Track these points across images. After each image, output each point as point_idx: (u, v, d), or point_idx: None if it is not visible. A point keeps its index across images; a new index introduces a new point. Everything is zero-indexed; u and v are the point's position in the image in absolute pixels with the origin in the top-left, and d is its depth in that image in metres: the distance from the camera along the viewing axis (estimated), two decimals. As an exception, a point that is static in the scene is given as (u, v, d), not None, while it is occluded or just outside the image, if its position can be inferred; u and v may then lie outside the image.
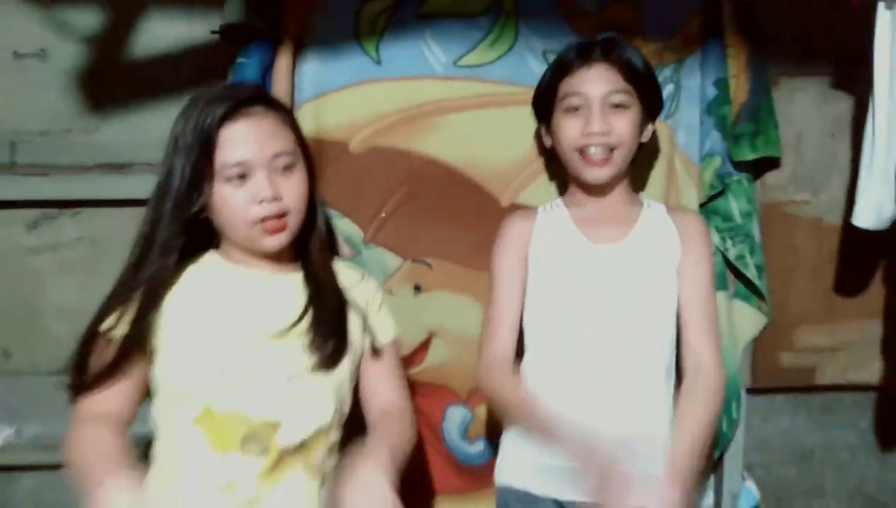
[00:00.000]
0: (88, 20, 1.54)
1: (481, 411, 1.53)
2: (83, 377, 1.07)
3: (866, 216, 1.29)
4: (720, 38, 1.47)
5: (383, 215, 1.48)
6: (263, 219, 1.05)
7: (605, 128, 1.20)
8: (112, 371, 1.05)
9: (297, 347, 1.06)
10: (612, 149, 1.22)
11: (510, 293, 1.24)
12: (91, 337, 1.07)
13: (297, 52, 1.44)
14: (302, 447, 1.05)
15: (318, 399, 1.07)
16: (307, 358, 1.06)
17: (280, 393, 1.04)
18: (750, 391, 1.62)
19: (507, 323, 1.24)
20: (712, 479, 1.65)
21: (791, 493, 1.73)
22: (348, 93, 1.45)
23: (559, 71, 1.25)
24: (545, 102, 1.29)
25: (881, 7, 1.20)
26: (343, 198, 1.46)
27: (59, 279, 1.60)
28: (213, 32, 1.48)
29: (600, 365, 1.20)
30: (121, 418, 1.07)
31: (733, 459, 1.62)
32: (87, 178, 1.56)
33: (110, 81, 1.56)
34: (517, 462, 1.27)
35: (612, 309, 1.22)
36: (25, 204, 1.58)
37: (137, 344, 1.04)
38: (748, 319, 1.53)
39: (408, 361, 1.50)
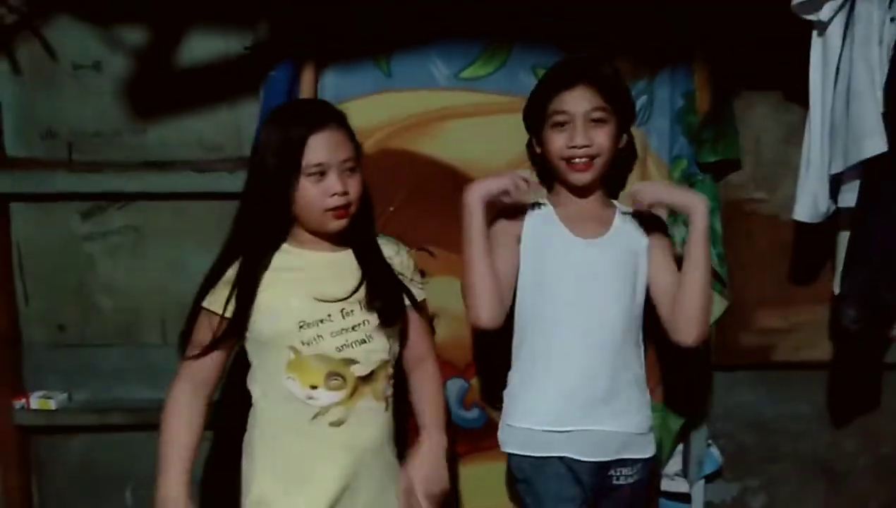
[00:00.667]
0: (137, 37, 1.69)
1: (476, 382, 1.70)
2: (186, 344, 1.32)
3: (804, 211, 1.46)
4: (687, 55, 1.64)
5: (392, 209, 1.65)
6: (335, 208, 1.29)
7: (588, 141, 1.38)
8: (217, 345, 1.30)
9: (356, 304, 1.32)
10: (593, 158, 1.40)
11: (511, 263, 1.42)
12: (196, 311, 1.31)
13: (319, 67, 1.62)
14: (370, 377, 1.31)
15: (377, 341, 1.33)
16: (366, 313, 1.32)
17: (348, 338, 1.30)
18: (714, 367, 1.78)
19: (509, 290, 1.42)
20: (681, 446, 1.82)
21: (751, 459, 1.89)
22: (363, 102, 1.62)
23: (546, 91, 1.42)
24: (534, 118, 1.47)
25: (814, 34, 1.39)
26: None
27: (107, 262, 1.77)
28: (245, 49, 1.67)
29: (584, 338, 1.39)
30: (214, 381, 1.34)
31: (699, 428, 1.79)
32: (134, 175, 1.72)
33: (155, 90, 1.71)
34: (521, 433, 1.43)
35: (594, 293, 1.40)
36: (80, 196, 1.74)
37: (242, 326, 1.29)
38: (712, 303, 1.71)
39: None
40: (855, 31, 1.33)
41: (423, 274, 1.65)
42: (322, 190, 1.28)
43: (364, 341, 1.32)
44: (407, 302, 1.39)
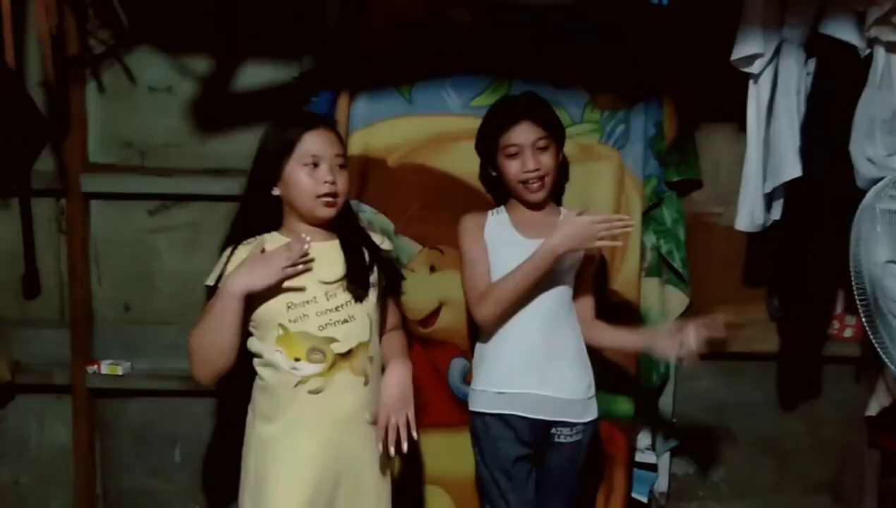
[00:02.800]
0: (202, 65, 1.99)
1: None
2: None
3: (743, 221, 1.76)
4: (658, 91, 1.94)
5: (409, 214, 1.90)
6: (325, 195, 1.45)
7: (537, 165, 1.65)
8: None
9: (340, 288, 1.48)
10: (543, 177, 1.67)
11: (484, 262, 1.69)
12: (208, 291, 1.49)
13: (353, 94, 1.90)
14: (349, 354, 1.48)
15: (358, 321, 1.49)
16: (347, 295, 1.48)
17: (331, 318, 1.46)
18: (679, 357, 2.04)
19: (486, 278, 1.68)
20: (649, 426, 2.07)
21: (710, 438, 2.13)
22: (388, 124, 1.90)
23: (497, 128, 1.67)
24: (487, 149, 1.71)
25: (750, 82, 1.70)
26: (382, 199, 1.91)
27: (169, 252, 2.04)
28: (293, 78, 1.96)
29: (530, 318, 1.67)
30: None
31: (665, 409, 2.05)
32: (195, 179, 2.00)
33: (216, 109, 2.00)
34: (481, 395, 1.69)
35: (538, 282, 1.66)
36: (149, 196, 2.02)
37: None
38: (676, 300, 1.99)
39: (424, 323, 1.92)
40: (779, 82, 1.66)
41: (433, 268, 1.91)
42: (315, 179, 1.43)
43: (346, 321, 1.46)
44: (388, 286, 1.56)
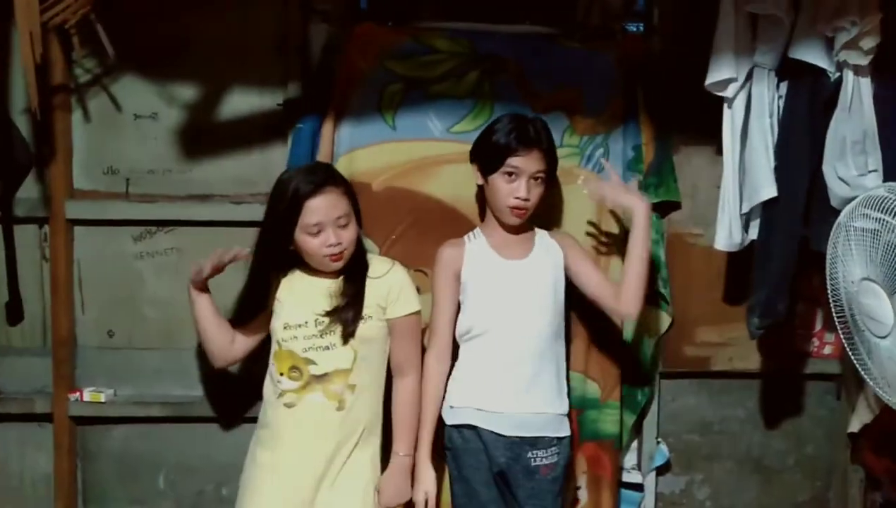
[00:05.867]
0: (188, 93, 2.01)
1: None
2: None
3: (721, 241, 1.79)
4: (636, 115, 1.99)
5: (394, 237, 1.94)
6: (330, 255, 1.60)
7: (528, 195, 1.70)
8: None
9: (329, 319, 1.64)
10: (528, 208, 1.72)
11: (448, 306, 1.75)
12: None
13: (337, 120, 1.93)
14: (324, 377, 1.62)
15: (339, 350, 1.63)
16: (335, 326, 1.63)
17: (314, 343, 1.63)
18: (662, 375, 2.07)
19: (447, 327, 1.74)
20: (636, 442, 2.11)
21: (696, 456, 2.15)
22: (372, 150, 1.93)
23: (508, 148, 1.69)
24: (490, 163, 1.72)
25: (725, 106, 1.75)
26: (366, 223, 1.84)
27: (153, 278, 2.05)
28: (278, 105, 2.00)
29: (513, 338, 1.71)
30: (248, 335, 1.75)
31: (650, 427, 2.08)
32: (179, 205, 2.02)
33: (201, 136, 2.02)
34: (458, 411, 1.73)
35: (522, 301, 1.72)
36: (134, 222, 2.03)
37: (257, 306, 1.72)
38: (658, 319, 2.01)
39: None
40: (752, 105, 1.71)
41: (418, 290, 1.88)
42: (320, 242, 1.59)
43: (327, 348, 1.62)
44: (394, 314, 1.67)
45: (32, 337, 2.07)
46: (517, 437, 1.70)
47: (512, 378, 1.71)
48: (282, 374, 1.64)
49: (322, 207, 1.57)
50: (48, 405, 2.04)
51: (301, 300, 1.66)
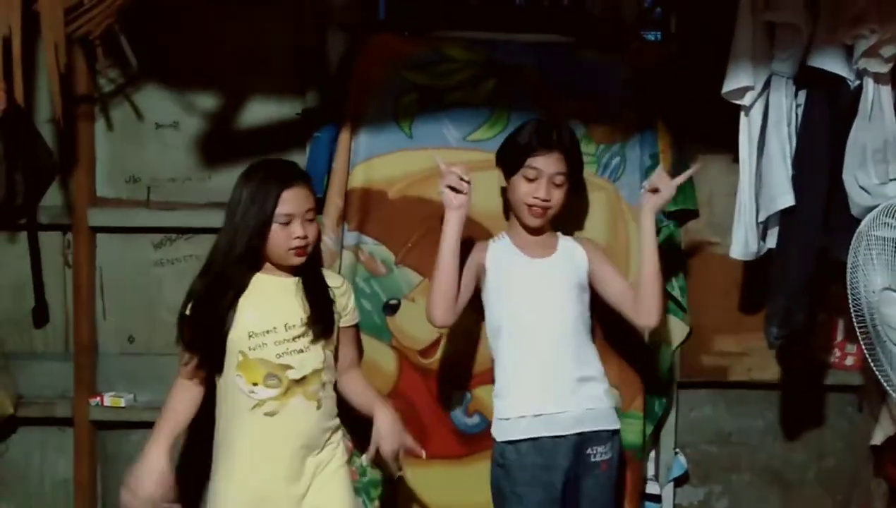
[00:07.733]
0: (208, 102, 2.04)
1: (479, 392, 1.95)
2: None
3: (738, 250, 1.78)
4: (653, 123, 1.98)
5: (409, 244, 1.94)
6: (295, 248, 1.59)
7: (547, 197, 1.71)
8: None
9: (299, 322, 1.61)
10: (546, 209, 1.73)
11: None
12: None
13: (354, 129, 1.94)
14: (302, 380, 1.60)
15: (312, 351, 1.62)
16: (306, 328, 1.61)
17: (288, 348, 1.60)
18: (680, 385, 2.06)
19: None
20: (653, 453, 2.10)
21: (714, 467, 2.13)
22: (389, 158, 1.94)
23: (528, 148, 1.71)
24: (512, 163, 1.76)
25: (742, 115, 1.74)
26: (382, 231, 1.94)
27: (173, 284, 2.06)
28: (297, 114, 2.01)
29: (547, 337, 1.72)
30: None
31: (667, 438, 2.07)
32: (199, 213, 2.04)
33: (221, 145, 2.04)
34: (507, 423, 1.71)
35: (549, 300, 1.73)
36: (154, 229, 2.07)
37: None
38: (676, 328, 2.00)
39: (424, 354, 1.94)
40: (770, 114, 1.70)
41: None
42: (287, 234, 1.58)
43: (301, 351, 1.60)
44: (349, 323, 1.73)
45: (54, 343, 2.10)
46: (576, 434, 1.69)
47: (558, 376, 1.71)
48: (255, 384, 1.58)
49: (295, 199, 1.59)
50: (69, 409, 2.07)
51: (260, 305, 1.60)
